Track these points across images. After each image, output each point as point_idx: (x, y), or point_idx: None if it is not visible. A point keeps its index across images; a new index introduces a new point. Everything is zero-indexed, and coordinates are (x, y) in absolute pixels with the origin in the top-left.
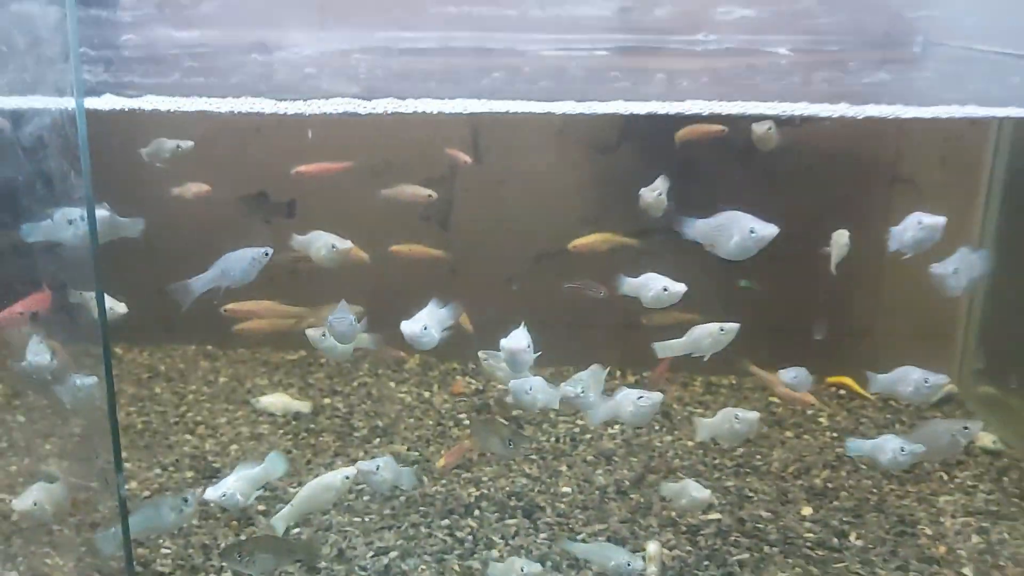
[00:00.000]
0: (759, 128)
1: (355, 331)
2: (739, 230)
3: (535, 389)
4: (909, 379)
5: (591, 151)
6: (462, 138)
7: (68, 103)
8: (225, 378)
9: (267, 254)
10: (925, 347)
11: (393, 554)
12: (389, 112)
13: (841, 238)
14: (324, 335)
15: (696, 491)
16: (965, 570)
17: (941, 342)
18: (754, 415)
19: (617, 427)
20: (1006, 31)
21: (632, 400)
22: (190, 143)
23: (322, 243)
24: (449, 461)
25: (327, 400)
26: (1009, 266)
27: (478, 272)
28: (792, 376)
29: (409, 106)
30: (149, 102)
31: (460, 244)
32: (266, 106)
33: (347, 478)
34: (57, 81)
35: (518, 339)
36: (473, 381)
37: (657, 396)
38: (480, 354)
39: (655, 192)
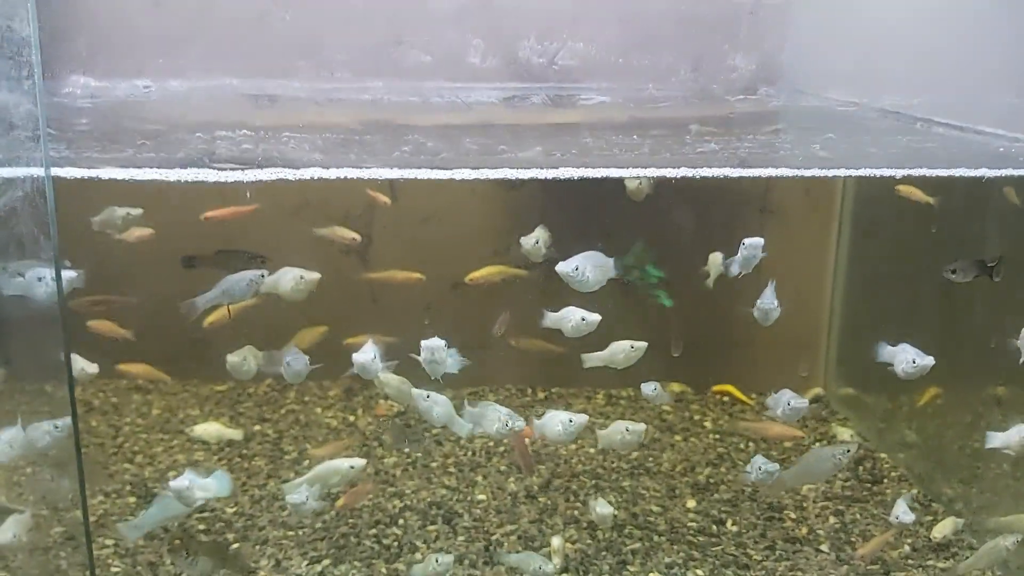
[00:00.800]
0: (630, 183)
1: (305, 370)
2: (593, 266)
3: (432, 399)
4: (780, 400)
5: (499, 188)
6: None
7: (38, 172)
8: (158, 410)
9: (263, 276)
10: (796, 355)
11: (326, 561)
12: (316, 178)
13: (716, 259)
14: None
15: (601, 507)
16: (823, 546)
17: (810, 350)
18: (641, 427)
19: (527, 440)
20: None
21: (561, 420)
22: (139, 210)
23: (290, 276)
24: (348, 501)
25: (257, 427)
26: (859, 281)
27: (397, 301)
28: (652, 388)
29: (332, 174)
30: (107, 172)
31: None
32: (208, 175)
33: (352, 467)
34: (28, 157)
35: (366, 352)
36: (395, 404)
37: (583, 418)
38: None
39: (533, 241)
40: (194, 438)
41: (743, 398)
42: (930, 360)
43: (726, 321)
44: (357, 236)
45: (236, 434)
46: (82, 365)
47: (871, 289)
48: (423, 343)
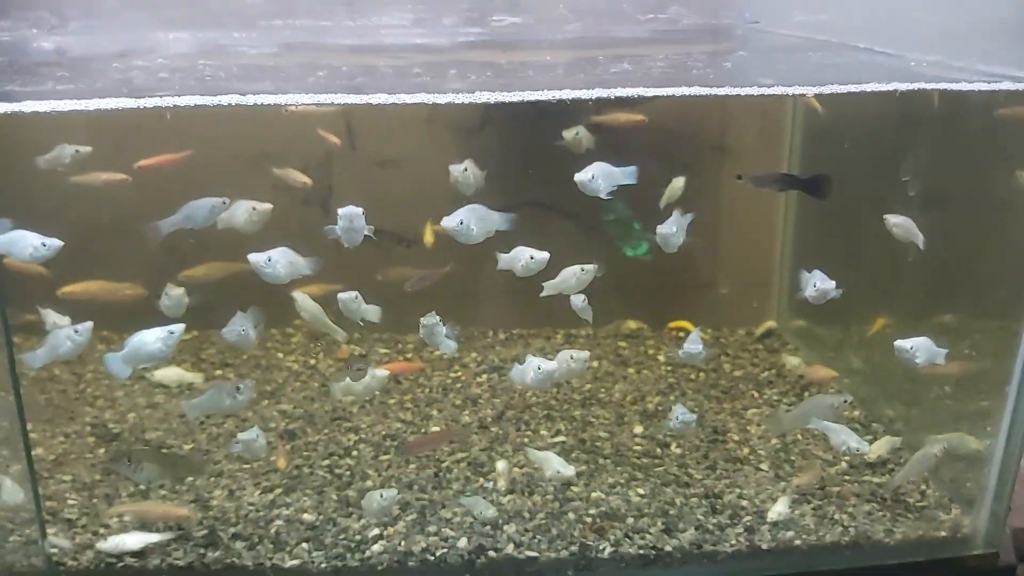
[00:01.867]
0: (568, 134)
1: (249, 340)
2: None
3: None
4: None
5: (457, 134)
6: (336, 128)
7: None
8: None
9: (225, 203)
10: (752, 293)
11: (278, 490)
12: (232, 104)
13: (677, 182)
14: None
15: (560, 466)
16: (763, 465)
17: (763, 289)
18: (585, 353)
19: (484, 376)
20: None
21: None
22: (88, 148)
23: (242, 208)
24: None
25: (219, 372)
26: (806, 217)
27: (358, 250)
28: (581, 300)
29: (249, 100)
30: (28, 106)
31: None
32: (128, 103)
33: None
34: None
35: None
36: (357, 347)
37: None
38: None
39: (462, 168)
40: (154, 383)
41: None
42: (831, 284)
43: (683, 260)
44: (308, 180)
45: (196, 378)
46: (54, 319)
47: (821, 223)
48: (340, 211)
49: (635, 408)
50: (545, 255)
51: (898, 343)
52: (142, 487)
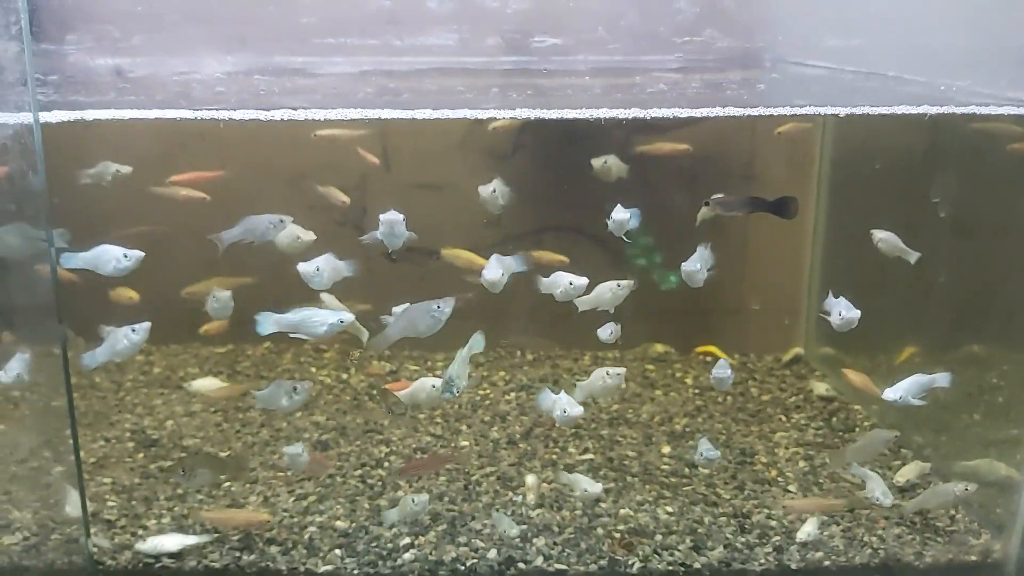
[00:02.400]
0: (596, 163)
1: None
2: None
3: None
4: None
5: (490, 159)
6: (373, 151)
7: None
8: (159, 369)
9: (282, 221)
10: (780, 319)
11: (312, 498)
12: (284, 119)
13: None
14: None
15: (588, 485)
16: (791, 487)
17: (792, 315)
18: (622, 369)
19: (512, 394)
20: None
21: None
22: (128, 168)
23: (287, 233)
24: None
25: (253, 384)
26: (835, 245)
27: (393, 271)
28: (608, 333)
29: (301, 114)
30: (90, 114)
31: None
32: (185, 114)
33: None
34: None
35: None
36: (388, 364)
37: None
38: None
39: (490, 189)
40: (192, 392)
41: (725, 357)
42: (856, 313)
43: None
44: (347, 199)
45: (230, 387)
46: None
47: (849, 250)
48: (381, 217)
49: (663, 429)
50: (584, 281)
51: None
52: (180, 491)
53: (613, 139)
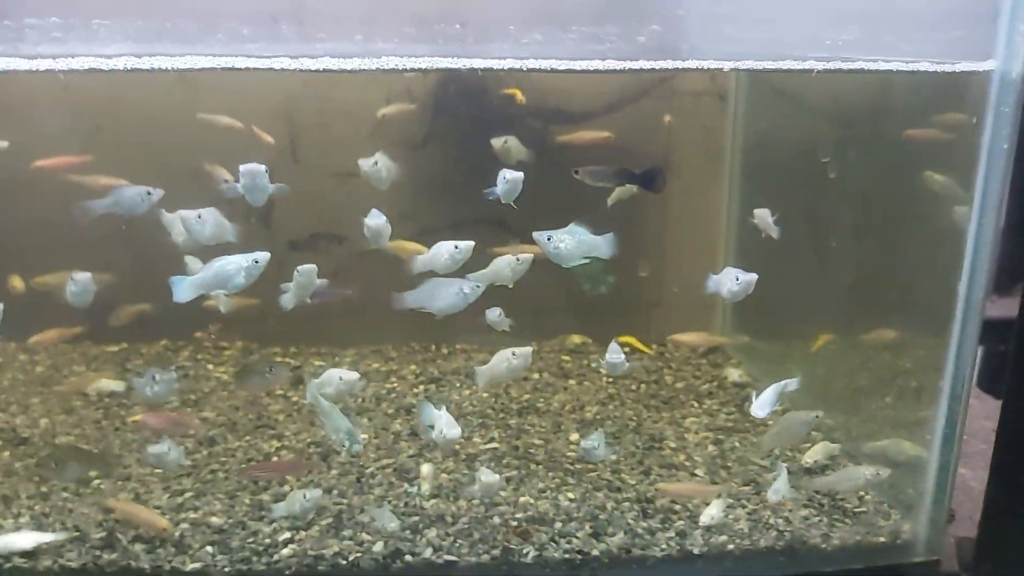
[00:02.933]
0: (496, 143)
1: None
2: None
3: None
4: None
5: (401, 149)
6: (279, 139)
7: None
8: (42, 368)
9: (149, 192)
10: (697, 310)
11: (188, 494)
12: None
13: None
14: None
15: (486, 476)
16: (698, 471)
17: (708, 307)
18: (528, 349)
19: (422, 387)
20: None
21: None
22: (4, 142)
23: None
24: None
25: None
26: (748, 234)
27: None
28: (496, 314)
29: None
30: None
31: (282, 241)
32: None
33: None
34: None
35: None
36: (291, 360)
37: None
38: None
39: (372, 162)
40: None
41: (643, 347)
42: (753, 276)
43: (628, 277)
44: (229, 176)
45: (118, 385)
46: None
47: (762, 241)
48: (241, 168)
49: (573, 417)
50: (470, 244)
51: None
52: (43, 489)
53: (529, 129)
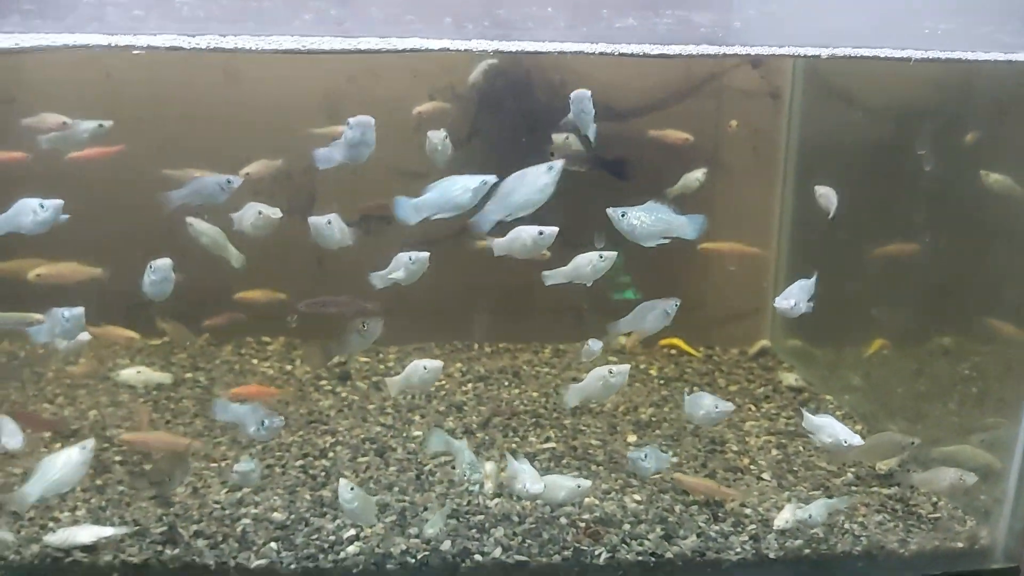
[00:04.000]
0: (557, 138)
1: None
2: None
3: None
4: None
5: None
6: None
7: None
8: (86, 359)
9: (230, 181)
10: (746, 312)
11: (247, 489)
12: (211, 47)
13: (695, 174)
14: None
15: (531, 481)
16: (765, 475)
17: (758, 309)
18: (626, 367)
19: (469, 384)
20: None
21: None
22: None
23: (251, 212)
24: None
25: (188, 375)
26: (801, 237)
27: (343, 261)
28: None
29: (230, 42)
30: None
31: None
32: (100, 40)
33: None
34: None
35: None
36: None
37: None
38: None
39: (443, 137)
40: (120, 382)
41: (690, 350)
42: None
43: (675, 279)
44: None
45: (165, 377)
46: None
47: (816, 241)
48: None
49: (628, 418)
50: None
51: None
52: (99, 482)
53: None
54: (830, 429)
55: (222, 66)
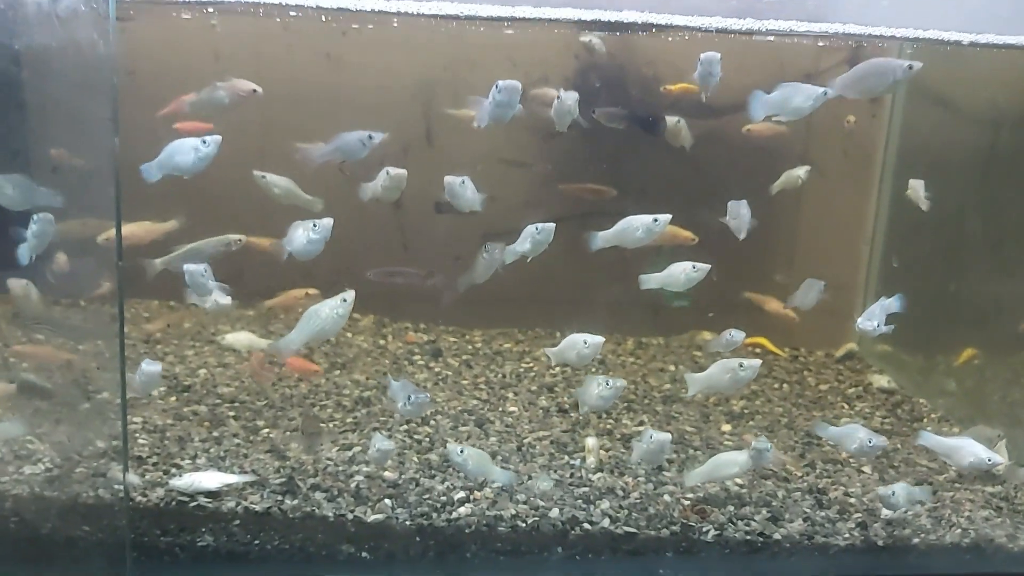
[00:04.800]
0: (670, 120)
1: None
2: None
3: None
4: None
5: (537, 137)
6: (415, 121)
7: None
8: (189, 324)
9: (371, 137)
10: (833, 313)
11: (356, 448)
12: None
13: (797, 171)
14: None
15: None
16: (865, 468)
17: (845, 309)
18: (757, 361)
19: (557, 368)
20: None
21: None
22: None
23: (380, 175)
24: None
25: None
26: (896, 241)
27: (428, 248)
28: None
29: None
30: None
31: (411, 222)
32: None
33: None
34: None
35: None
36: (424, 335)
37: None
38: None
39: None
40: (224, 346)
41: (776, 349)
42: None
43: (761, 277)
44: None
45: (265, 343)
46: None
47: (910, 246)
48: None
49: (719, 408)
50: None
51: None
52: (215, 434)
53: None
54: (970, 449)
55: (326, 51)
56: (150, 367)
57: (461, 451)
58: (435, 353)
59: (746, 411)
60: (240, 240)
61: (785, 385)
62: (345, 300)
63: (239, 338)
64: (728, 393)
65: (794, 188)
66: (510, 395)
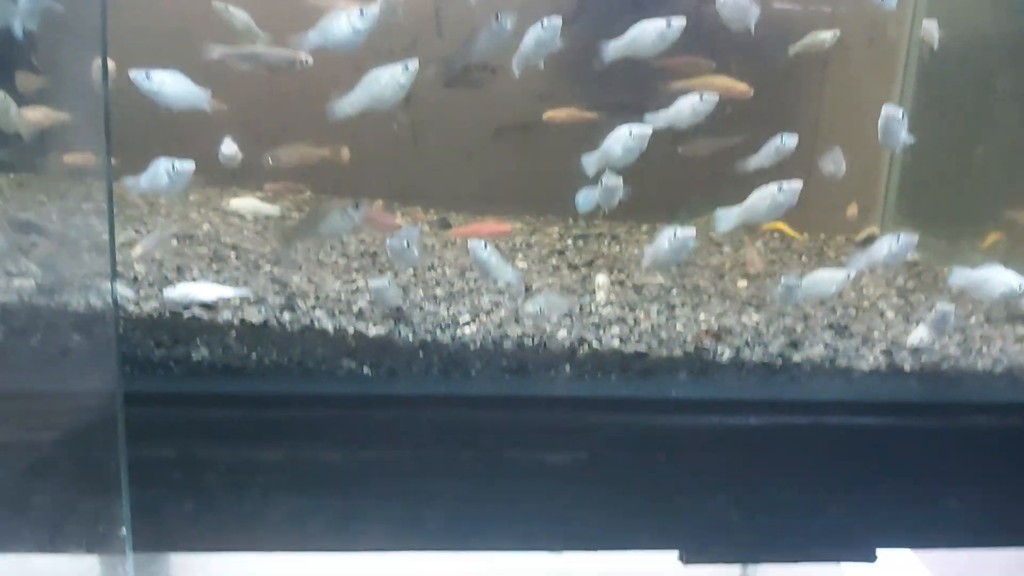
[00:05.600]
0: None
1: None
2: None
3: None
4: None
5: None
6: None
7: None
8: (195, 196)
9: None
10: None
11: (360, 282)
12: None
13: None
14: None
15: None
16: (888, 312)
17: (869, 196)
18: (798, 183)
19: (568, 240)
20: None
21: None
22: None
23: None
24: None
25: (296, 213)
26: (920, 127)
27: (438, 143)
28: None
29: None
30: None
31: (421, 117)
32: None
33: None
34: None
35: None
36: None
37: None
38: None
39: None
40: (229, 211)
41: (793, 233)
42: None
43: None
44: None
45: (273, 210)
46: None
47: (934, 130)
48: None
49: (735, 271)
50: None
51: None
52: (215, 267)
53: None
54: (1000, 278)
55: None
56: (182, 165)
57: (485, 245)
58: (443, 224)
59: (760, 274)
60: (307, 61)
61: (804, 256)
62: (407, 68)
63: (244, 203)
64: (766, 221)
65: (819, 52)
66: (519, 256)
